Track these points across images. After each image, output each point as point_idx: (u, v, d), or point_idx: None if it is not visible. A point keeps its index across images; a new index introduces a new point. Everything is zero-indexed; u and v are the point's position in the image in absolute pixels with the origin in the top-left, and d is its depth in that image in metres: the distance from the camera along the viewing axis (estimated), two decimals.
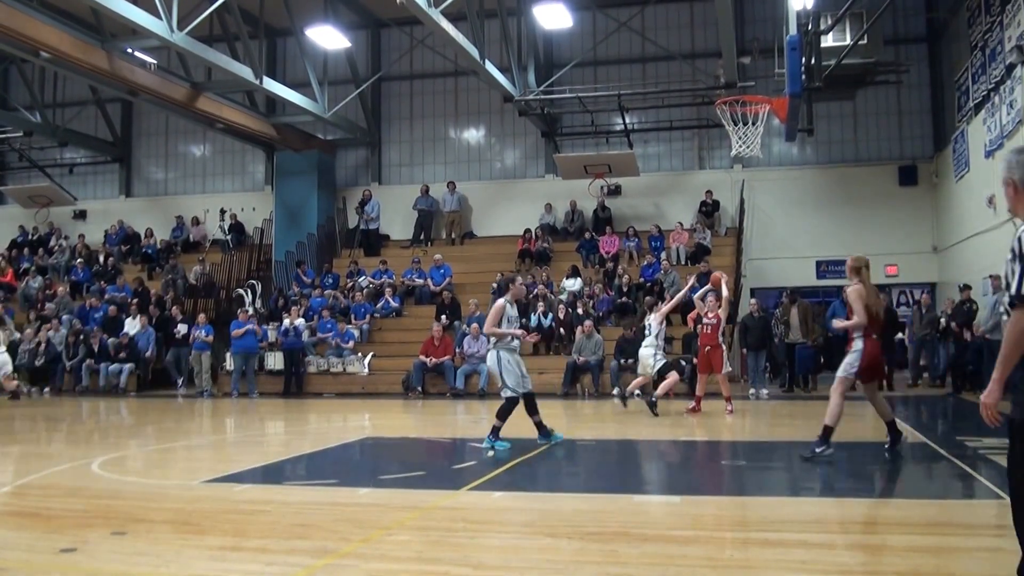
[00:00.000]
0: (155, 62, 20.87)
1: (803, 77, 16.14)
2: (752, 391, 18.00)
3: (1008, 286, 3.94)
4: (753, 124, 17.81)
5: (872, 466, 9.93)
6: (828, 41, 17.30)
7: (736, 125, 17.87)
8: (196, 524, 6.79)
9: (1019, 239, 3.90)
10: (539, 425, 10.74)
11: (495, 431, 10.41)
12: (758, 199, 23.79)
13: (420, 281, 23.31)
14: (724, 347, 14.50)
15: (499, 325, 10.40)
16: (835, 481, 8.89)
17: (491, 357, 10.59)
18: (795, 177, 24.12)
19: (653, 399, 13.90)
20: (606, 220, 24.29)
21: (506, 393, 10.50)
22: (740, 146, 17.96)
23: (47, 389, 21.67)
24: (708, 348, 14.35)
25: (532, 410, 10.75)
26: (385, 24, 25.79)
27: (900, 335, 20.25)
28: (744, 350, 19.09)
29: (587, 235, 23.97)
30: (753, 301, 19.70)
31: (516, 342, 10.54)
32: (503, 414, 10.40)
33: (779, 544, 5.97)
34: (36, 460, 10.65)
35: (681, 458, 9.80)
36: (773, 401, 17.32)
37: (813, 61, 16.51)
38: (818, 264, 23.63)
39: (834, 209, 23.62)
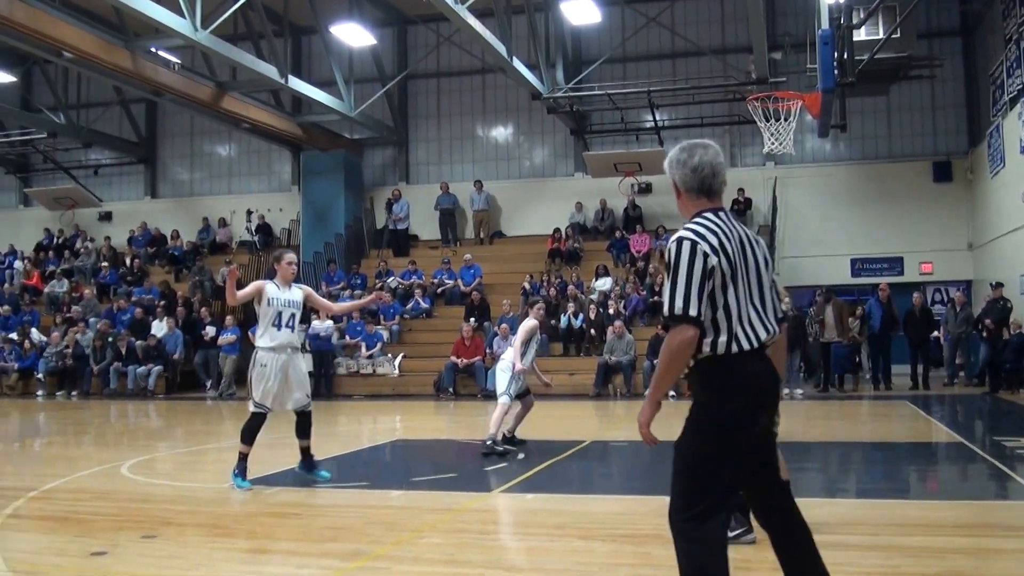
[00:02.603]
0: (179, 61, 20.86)
1: (836, 72, 15.93)
2: (786, 391, 17.78)
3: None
4: (785, 120, 17.56)
5: (908, 466, 9.81)
6: (860, 35, 17.06)
7: (768, 121, 17.64)
8: (226, 527, 6.81)
9: (669, 250, 3.68)
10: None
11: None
12: (791, 196, 23.51)
13: (450, 281, 23.22)
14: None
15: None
16: (870, 482, 8.82)
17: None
18: (828, 174, 23.83)
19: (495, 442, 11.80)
20: (637, 219, 24.08)
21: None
22: (772, 143, 17.72)
23: (75, 392, 21.67)
24: None
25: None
26: (411, 21, 25.74)
27: (935, 333, 19.97)
28: None
29: (618, 234, 23.76)
30: (787, 300, 19.47)
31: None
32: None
33: (818, 546, 5.83)
34: (65, 463, 10.66)
35: None
36: (808, 401, 17.14)
37: (846, 56, 16.30)
38: (853, 262, 23.36)
39: (868, 206, 23.33)
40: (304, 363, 8.80)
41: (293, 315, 8.41)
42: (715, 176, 3.84)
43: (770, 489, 3.96)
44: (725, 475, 3.70)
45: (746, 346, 3.66)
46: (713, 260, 3.59)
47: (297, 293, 8.54)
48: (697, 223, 3.72)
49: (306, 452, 8.61)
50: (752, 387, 3.69)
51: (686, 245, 3.61)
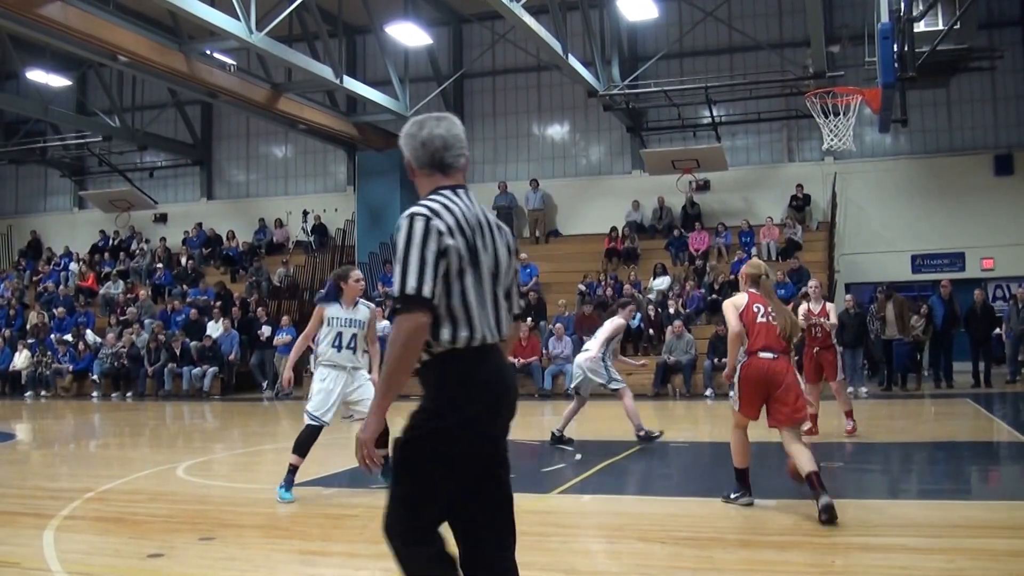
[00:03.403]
0: (234, 63, 21.04)
1: (896, 66, 15.61)
2: (850, 389, 17.49)
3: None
4: (844, 116, 17.24)
5: (970, 466, 9.62)
6: (920, 27, 16.68)
7: (827, 117, 17.33)
8: (284, 529, 6.82)
9: (398, 227, 3.27)
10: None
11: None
12: (850, 192, 23.11)
13: None
14: (839, 349, 12.25)
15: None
16: (935, 482, 8.64)
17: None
18: (888, 168, 23.39)
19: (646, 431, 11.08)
20: (695, 216, 23.85)
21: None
22: (831, 140, 17.42)
23: (129, 394, 21.84)
24: (817, 350, 11.70)
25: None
26: (466, 19, 25.72)
27: (997, 330, 19.51)
28: (840, 347, 18.59)
29: (676, 232, 23.54)
30: (848, 297, 19.10)
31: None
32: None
33: (881, 549, 5.81)
34: (120, 465, 10.75)
35: (777, 460, 9.47)
36: (872, 400, 16.86)
37: (906, 48, 15.97)
38: (913, 258, 22.85)
39: (928, 201, 22.85)
40: (367, 377, 8.23)
41: (355, 335, 8.03)
42: (447, 149, 3.47)
43: (493, 506, 3.46)
44: (451, 487, 3.32)
45: (488, 340, 3.31)
46: (449, 240, 3.22)
47: (363, 312, 8.16)
48: (432, 199, 3.34)
49: (387, 459, 8.38)
50: (491, 387, 3.33)
51: (419, 221, 3.21)
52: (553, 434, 10.83)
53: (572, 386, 11.25)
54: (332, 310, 8.02)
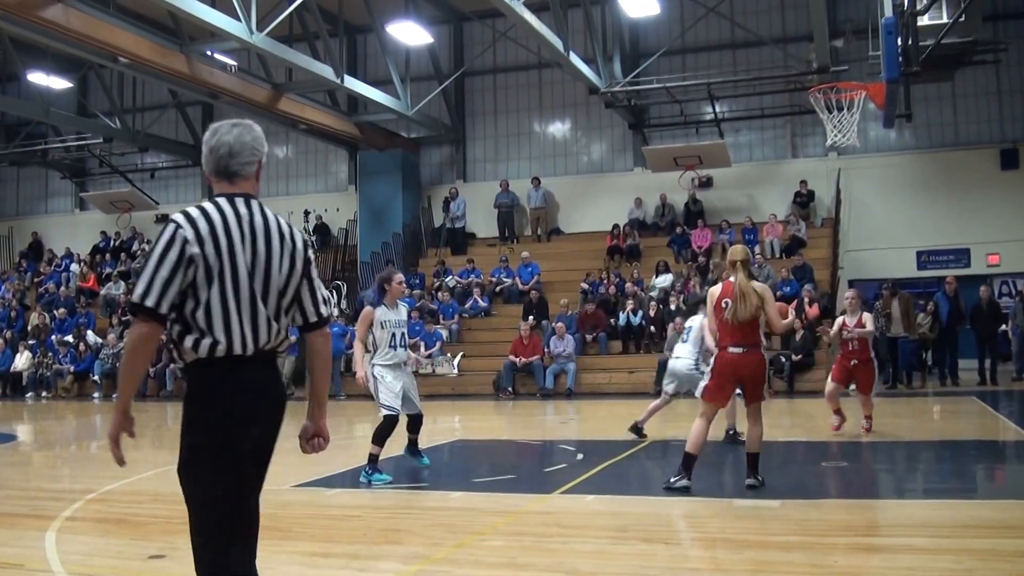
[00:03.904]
0: (235, 64, 21.02)
1: (900, 61, 15.53)
2: (853, 388, 17.38)
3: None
4: (849, 111, 17.16)
5: (977, 465, 9.56)
6: (924, 20, 16.61)
7: (831, 113, 17.26)
8: (286, 529, 6.78)
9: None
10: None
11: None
12: (854, 187, 23.01)
13: (508, 280, 23.10)
14: (876, 363, 11.82)
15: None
16: (941, 482, 8.59)
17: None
18: (892, 164, 23.26)
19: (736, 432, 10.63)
20: (698, 213, 23.76)
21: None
22: (835, 135, 17.35)
23: None
24: (855, 363, 11.21)
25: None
26: (467, 18, 25.68)
27: (1003, 327, 19.41)
28: (877, 361, 18.55)
29: (679, 229, 23.47)
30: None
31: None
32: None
33: (886, 550, 5.81)
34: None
35: (780, 460, 9.44)
36: (876, 398, 16.63)
37: (910, 42, 15.89)
38: (919, 254, 22.73)
39: (934, 196, 22.72)
40: (412, 374, 9.28)
41: (403, 334, 8.89)
42: (232, 157, 3.46)
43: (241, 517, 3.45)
44: (226, 495, 3.32)
45: (237, 350, 3.27)
46: (193, 249, 3.21)
47: (403, 311, 8.99)
48: (196, 207, 3.34)
49: (414, 443, 9.30)
50: (239, 397, 3.30)
51: (168, 229, 3.24)
52: (636, 425, 11.10)
53: (666, 390, 11.10)
54: (380, 313, 8.75)
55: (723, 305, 7.42)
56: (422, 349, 20.95)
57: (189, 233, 3.24)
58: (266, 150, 3.59)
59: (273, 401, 3.45)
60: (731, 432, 10.47)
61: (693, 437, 7.51)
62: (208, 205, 3.37)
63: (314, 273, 3.54)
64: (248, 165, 3.50)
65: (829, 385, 11.30)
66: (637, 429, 11.14)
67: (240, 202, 3.42)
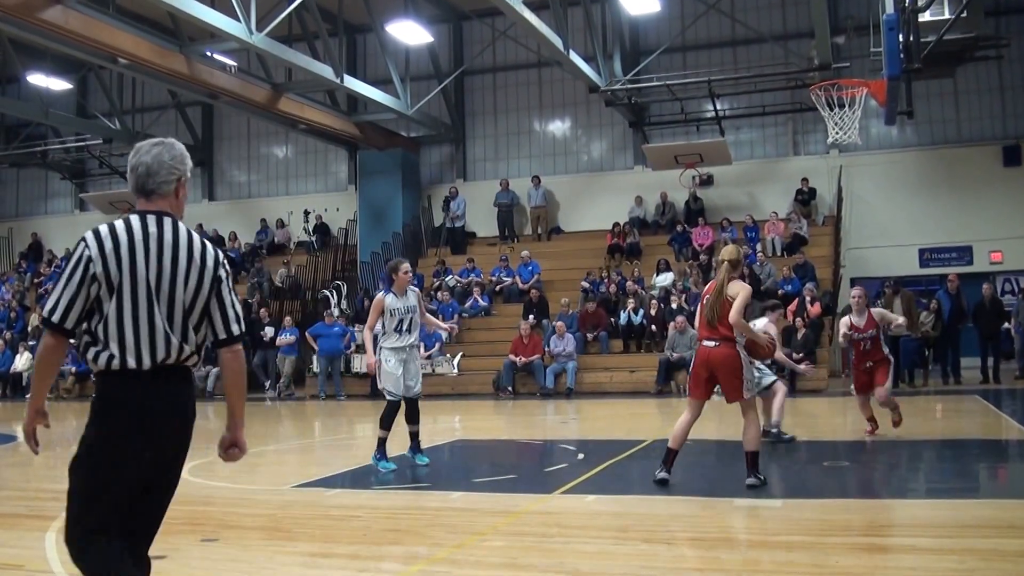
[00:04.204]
0: (235, 64, 21.00)
1: (901, 57, 15.48)
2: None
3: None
4: (850, 108, 17.09)
5: (978, 465, 9.47)
6: (926, 16, 16.56)
7: (832, 110, 17.19)
8: (287, 530, 6.81)
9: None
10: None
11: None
12: (856, 185, 22.95)
13: (508, 279, 23.05)
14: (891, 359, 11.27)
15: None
16: (944, 481, 8.52)
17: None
18: (894, 161, 23.20)
19: (780, 431, 10.53)
20: (698, 211, 23.71)
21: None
22: (837, 133, 17.27)
23: None
24: (871, 364, 10.75)
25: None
26: (466, 16, 25.67)
27: (1006, 325, 19.33)
28: (892, 357, 18.44)
29: (679, 227, 23.41)
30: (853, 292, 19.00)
31: None
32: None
33: (887, 550, 5.79)
34: None
35: (782, 459, 9.40)
36: None
37: (911, 39, 15.84)
38: (921, 252, 22.69)
39: (936, 193, 22.67)
40: (419, 358, 9.80)
41: (412, 319, 9.38)
42: (150, 176, 3.57)
43: (140, 525, 3.64)
44: (104, 502, 3.45)
45: (131, 364, 3.41)
46: (97, 268, 3.38)
47: (412, 297, 9.44)
48: (108, 224, 3.49)
49: (415, 436, 9.65)
50: (131, 412, 3.43)
51: (79, 248, 3.43)
52: (770, 432, 10.34)
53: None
54: (389, 300, 9.31)
55: (705, 301, 7.72)
56: (421, 349, 20.91)
57: (94, 251, 3.40)
58: (188, 167, 3.69)
59: (169, 416, 3.54)
60: (772, 431, 10.25)
61: (675, 431, 7.84)
62: (119, 222, 3.50)
63: (225, 291, 3.62)
64: (166, 184, 3.60)
65: (858, 399, 10.93)
66: (778, 434, 10.42)
67: (152, 219, 3.52)
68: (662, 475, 7.70)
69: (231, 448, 3.78)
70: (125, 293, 3.42)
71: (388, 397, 9.34)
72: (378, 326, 9.41)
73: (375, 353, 9.39)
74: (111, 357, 3.41)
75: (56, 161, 29.18)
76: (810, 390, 17.30)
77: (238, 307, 3.68)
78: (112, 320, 3.42)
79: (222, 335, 3.61)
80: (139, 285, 3.43)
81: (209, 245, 3.63)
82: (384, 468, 9.15)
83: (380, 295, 9.50)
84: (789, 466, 9.23)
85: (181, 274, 3.50)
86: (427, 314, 9.96)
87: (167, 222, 3.55)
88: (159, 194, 3.58)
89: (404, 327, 9.33)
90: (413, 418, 9.57)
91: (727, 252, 7.79)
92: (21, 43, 22.70)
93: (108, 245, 3.41)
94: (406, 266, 9.53)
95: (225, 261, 3.67)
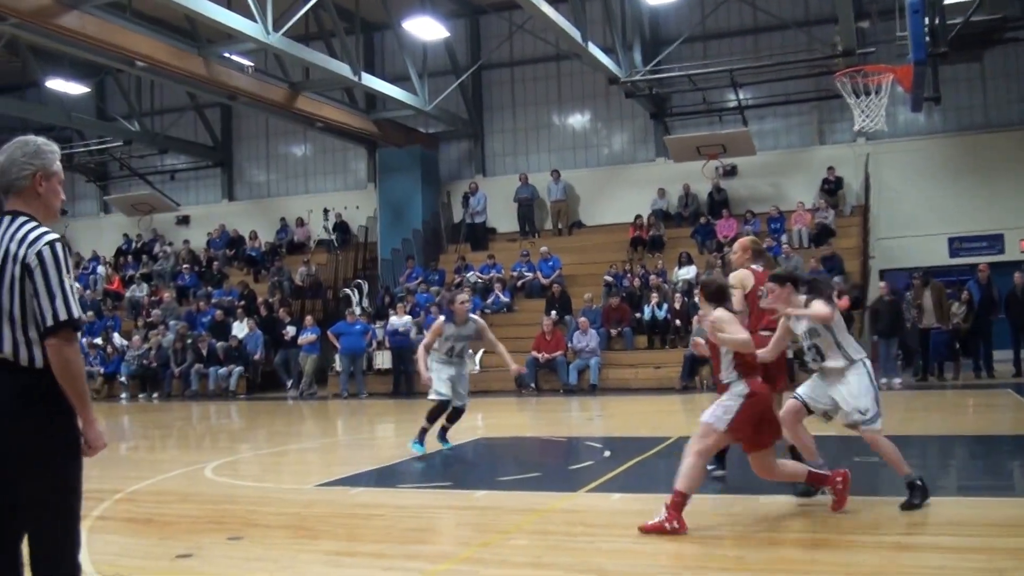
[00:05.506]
0: (252, 65, 20.99)
1: (927, 42, 15.20)
2: (883, 380, 17.07)
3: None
4: (876, 95, 16.79)
5: (1010, 462, 9.30)
6: None
7: (858, 97, 16.89)
8: (311, 529, 6.91)
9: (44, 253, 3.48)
10: None
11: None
12: (883, 173, 22.55)
13: (529, 274, 22.89)
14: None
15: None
16: (973, 478, 8.43)
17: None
18: (921, 148, 22.75)
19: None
20: (722, 203, 23.41)
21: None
22: (863, 120, 16.96)
23: (156, 395, 22.09)
24: None
25: None
26: (483, 11, 25.57)
27: None
28: (875, 337, 18.14)
29: (702, 220, 23.15)
30: (882, 284, 18.69)
31: None
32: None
33: (914, 548, 5.73)
34: (149, 466, 10.88)
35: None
36: (906, 391, 16.48)
37: (937, 22, 15.57)
38: (950, 241, 22.21)
39: (965, 180, 22.14)
40: (468, 371, 10.75)
41: (464, 347, 10.38)
42: (3, 175, 3.60)
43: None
44: None
45: None
46: None
47: (471, 327, 10.30)
48: None
49: (445, 430, 10.56)
50: None
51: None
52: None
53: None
54: (448, 328, 10.15)
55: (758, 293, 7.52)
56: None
57: None
58: (47, 160, 3.66)
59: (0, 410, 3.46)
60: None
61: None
62: None
63: (39, 279, 3.47)
64: (19, 180, 3.61)
65: None
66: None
67: (5, 219, 3.59)
68: (717, 472, 7.68)
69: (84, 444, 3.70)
70: None
71: (438, 397, 10.13)
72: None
73: (427, 369, 10.17)
74: None
75: (81, 164, 29.36)
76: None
77: (63, 294, 3.50)
78: None
79: (42, 326, 3.46)
80: None
81: (33, 234, 3.52)
82: (417, 450, 10.08)
83: (440, 320, 10.38)
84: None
85: (8, 272, 3.49)
86: (498, 344, 10.72)
87: (6, 221, 3.57)
88: (15, 191, 3.60)
89: (455, 352, 10.21)
90: (453, 420, 10.51)
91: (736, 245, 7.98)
92: (40, 49, 22.91)
93: None
94: (462, 297, 10.66)
95: (47, 248, 3.50)
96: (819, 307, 6.48)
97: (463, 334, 10.17)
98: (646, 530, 6.00)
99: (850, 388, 6.54)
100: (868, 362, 6.66)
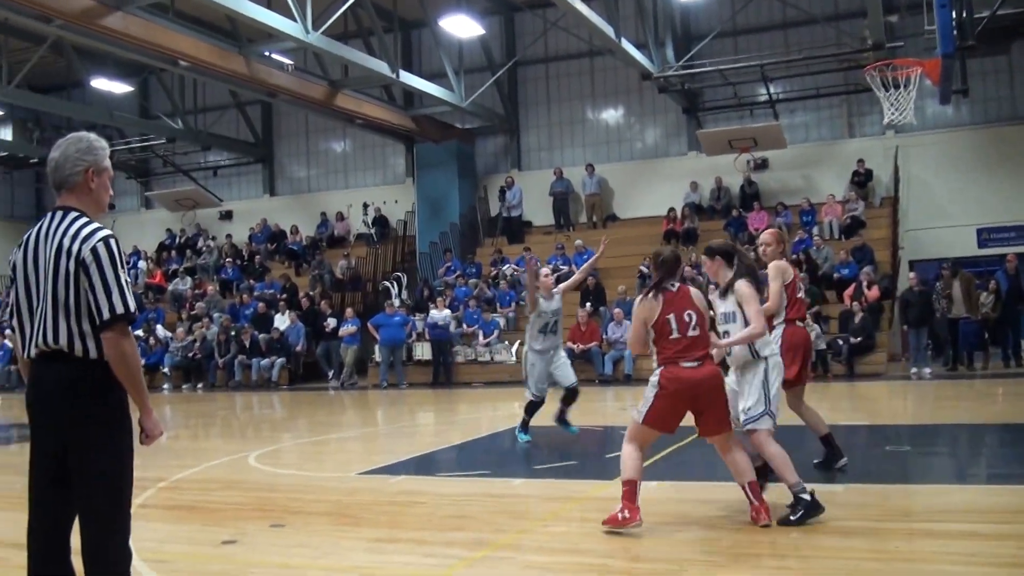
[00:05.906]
0: (292, 63, 21.32)
1: (955, 34, 15.28)
2: (914, 370, 17.26)
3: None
4: (905, 89, 16.90)
5: None
6: None
7: (888, 91, 17.00)
8: (352, 516, 6.94)
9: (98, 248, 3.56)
10: None
11: None
12: (913, 166, 22.60)
13: (565, 267, 23.11)
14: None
15: None
16: (1004, 467, 8.40)
17: None
18: (950, 140, 22.77)
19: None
20: (754, 196, 23.53)
21: None
22: (892, 113, 17.08)
23: (200, 385, 22.55)
24: None
25: None
26: (518, 8, 25.71)
27: None
28: (904, 327, 18.29)
29: (735, 212, 23.28)
30: (912, 275, 18.80)
31: None
32: None
33: (945, 535, 5.73)
34: (193, 455, 10.98)
35: (842, 444, 9.38)
36: (936, 381, 16.55)
37: (964, 15, 15.63)
38: (979, 232, 22.19)
39: (993, 172, 22.13)
40: (563, 356, 10.52)
41: (556, 321, 10.27)
42: (57, 170, 3.68)
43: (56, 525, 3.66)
44: (30, 480, 3.65)
45: (23, 347, 3.64)
46: (11, 256, 3.70)
47: (558, 300, 10.29)
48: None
49: (563, 412, 10.53)
50: (29, 393, 3.64)
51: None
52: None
53: None
54: (541, 303, 10.11)
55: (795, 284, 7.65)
56: (480, 338, 21.15)
57: (14, 251, 3.71)
58: (98, 156, 3.74)
59: (54, 399, 3.56)
60: None
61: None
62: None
63: (94, 274, 3.51)
64: (72, 176, 3.68)
65: None
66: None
67: (55, 215, 3.65)
68: (839, 462, 7.69)
69: (141, 434, 3.82)
70: (19, 282, 3.65)
71: (532, 397, 10.31)
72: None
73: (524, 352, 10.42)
74: (22, 344, 3.66)
75: (122, 161, 29.78)
76: (869, 375, 17.18)
77: (119, 288, 3.54)
78: (12, 308, 3.67)
79: (97, 320, 3.52)
80: (29, 276, 3.61)
81: (86, 230, 3.57)
82: (521, 439, 10.35)
83: (541, 298, 10.28)
84: (851, 451, 9.24)
85: (51, 264, 3.54)
86: (584, 268, 11.41)
87: (59, 216, 3.63)
88: (67, 187, 3.67)
89: (549, 328, 10.19)
90: (569, 401, 10.47)
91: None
92: (84, 49, 23.29)
93: (25, 237, 3.67)
94: (545, 271, 10.58)
95: (102, 244, 3.54)
96: (756, 324, 6.18)
97: (554, 308, 10.19)
98: (605, 523, 5.93)
99: (743, 383, 6.40)
100: (774, 361, 6.37)
